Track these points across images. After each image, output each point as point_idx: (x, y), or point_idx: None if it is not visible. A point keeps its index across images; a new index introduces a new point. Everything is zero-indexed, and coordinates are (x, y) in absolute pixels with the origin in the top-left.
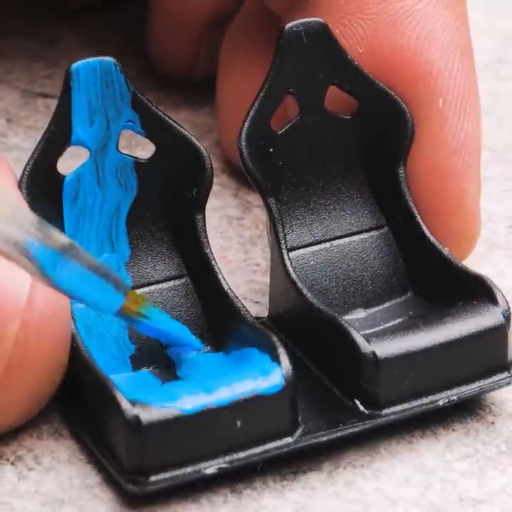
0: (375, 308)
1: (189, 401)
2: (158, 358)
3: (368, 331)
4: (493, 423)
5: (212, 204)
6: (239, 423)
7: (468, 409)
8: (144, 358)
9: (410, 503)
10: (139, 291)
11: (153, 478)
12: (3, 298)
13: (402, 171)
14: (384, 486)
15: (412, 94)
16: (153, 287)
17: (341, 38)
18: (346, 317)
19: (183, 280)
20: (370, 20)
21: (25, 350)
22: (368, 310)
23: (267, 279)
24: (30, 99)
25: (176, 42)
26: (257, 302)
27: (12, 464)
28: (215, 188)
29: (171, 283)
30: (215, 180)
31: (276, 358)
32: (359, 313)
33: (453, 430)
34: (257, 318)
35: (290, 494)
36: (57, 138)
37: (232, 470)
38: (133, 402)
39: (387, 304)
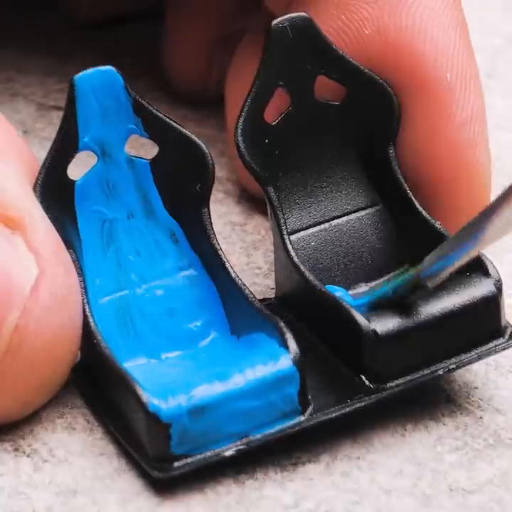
0: (376, 282)
1: (205, 390)
2: (175, 344)
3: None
4: (481, 418)
5: (216, 211)
6: (253, 407)
7: (458, 404)
8: (161, 343)
9: (403, 492)
10: (148, 286)
11: (176, 464)
12: (9, 285)
13: (391, 151)
14: (378, 476)
15: (420, 71)
16: (164, 280)
17: (347, 22)
18: (350, 292)
19: (192, 270)
20: (374, 3)
21: (24, 337)
22: (369, 283)
23: (269, 282)
24: (45, 111)
25: (189, 59)
26: None
27: (28, 456)
28: (219, 195)
29: (182, 273)
30: (219, 187)
31: (284, 343)
32: (362, 288)
33: (443, 424)
34: (265, 299)
35: (290, 484)
36: (65, 146)
37: (249, 451)
38: (152, 396)
39: (386, 277)
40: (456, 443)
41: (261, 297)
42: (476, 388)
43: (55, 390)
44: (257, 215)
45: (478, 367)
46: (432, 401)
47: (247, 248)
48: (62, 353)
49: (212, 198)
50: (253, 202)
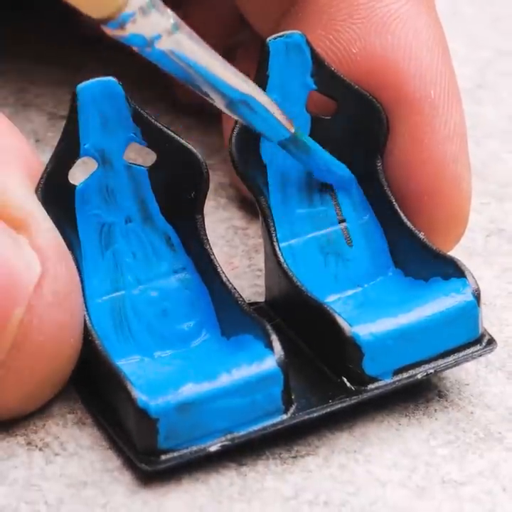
0: (363, 287)
1: (194, 388)
2: (168, 343)
3: (358, 309)
4: (472, 413)
5: (219, 215)
6: (238, 405)
7: (450, 400)
8: (155, 342)
9: (398, 484)
10: (143, 287)
11: (163, 457)
12: (14, 282)
13: (379, 163)
14: (374, 469)
15: (405, 88)
16: (158, 282)
17: (335, 42)
18: (338, 295)
19: (186, 273)
20: (361, 24)
21: (29, 333)
22: (356, 289)
23: None
24: (56, 121)
25: None
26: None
27: (40, 449)
28: (222, 201)
29: (176, 276)
30: (222, 193)
31: (269, 344)
32: (349, 292)
33: (436, 419)
34: (255, 302)
35: (290, 477)
36: (67, 152)
37: (233, 447)
38: (142, 393)
39: (372, 283)
40: (448, 437)
41: (255, 300)
42: (467, 385)
43: (60, 384)
44: (258, 219)
45: (469, 365)
46: (425, 397)
47: (249, 251)
48: (65, 348)
49: (215, 203)
50: (254, 207)
